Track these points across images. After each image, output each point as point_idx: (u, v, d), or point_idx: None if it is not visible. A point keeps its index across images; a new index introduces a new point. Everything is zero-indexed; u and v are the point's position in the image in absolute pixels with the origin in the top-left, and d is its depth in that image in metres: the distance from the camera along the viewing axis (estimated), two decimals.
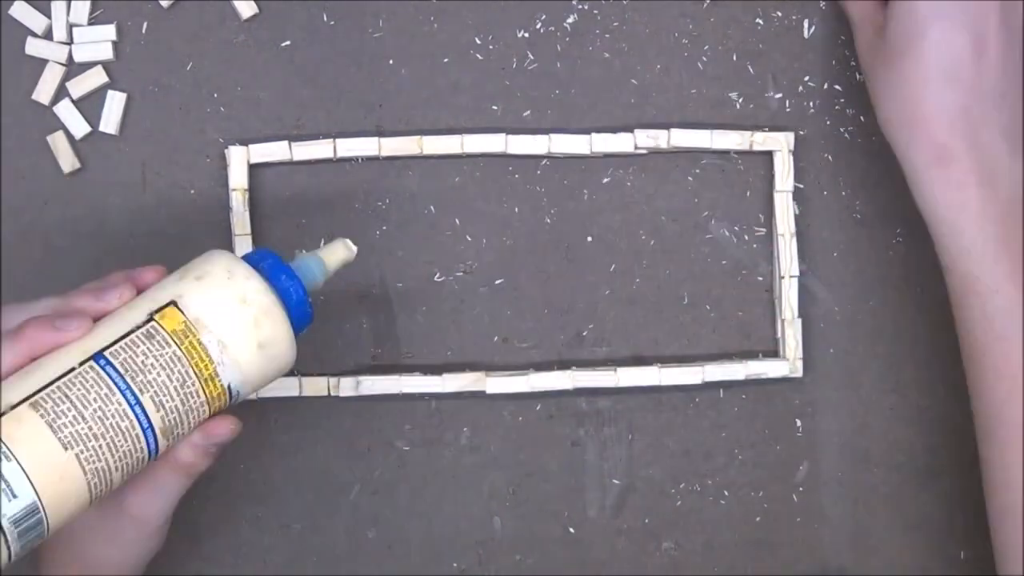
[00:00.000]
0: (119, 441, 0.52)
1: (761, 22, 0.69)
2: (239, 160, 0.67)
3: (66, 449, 0.51)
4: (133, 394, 0.52)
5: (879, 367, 0.69)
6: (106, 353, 0.53)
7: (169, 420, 0.54)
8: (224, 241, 0.67)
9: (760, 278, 0.69)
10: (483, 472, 0.68)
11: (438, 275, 0.68)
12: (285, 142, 0.67)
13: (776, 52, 0.69)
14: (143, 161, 0.68)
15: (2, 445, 0.50)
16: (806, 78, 0.69)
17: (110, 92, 0.68)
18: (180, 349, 0.53)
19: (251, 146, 0.67)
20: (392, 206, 0.68)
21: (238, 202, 0.67)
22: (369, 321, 0.68)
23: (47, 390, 0.52)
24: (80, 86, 0.67)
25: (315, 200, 0.68)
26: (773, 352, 0.69)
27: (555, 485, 0.68)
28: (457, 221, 0.68)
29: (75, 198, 0.68)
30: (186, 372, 0.53)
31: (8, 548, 0.50)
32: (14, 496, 0.50)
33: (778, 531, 0.69)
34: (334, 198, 0.68)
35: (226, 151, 0.67)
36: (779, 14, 0.69)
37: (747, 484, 0.69)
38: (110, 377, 0.52)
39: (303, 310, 0.57)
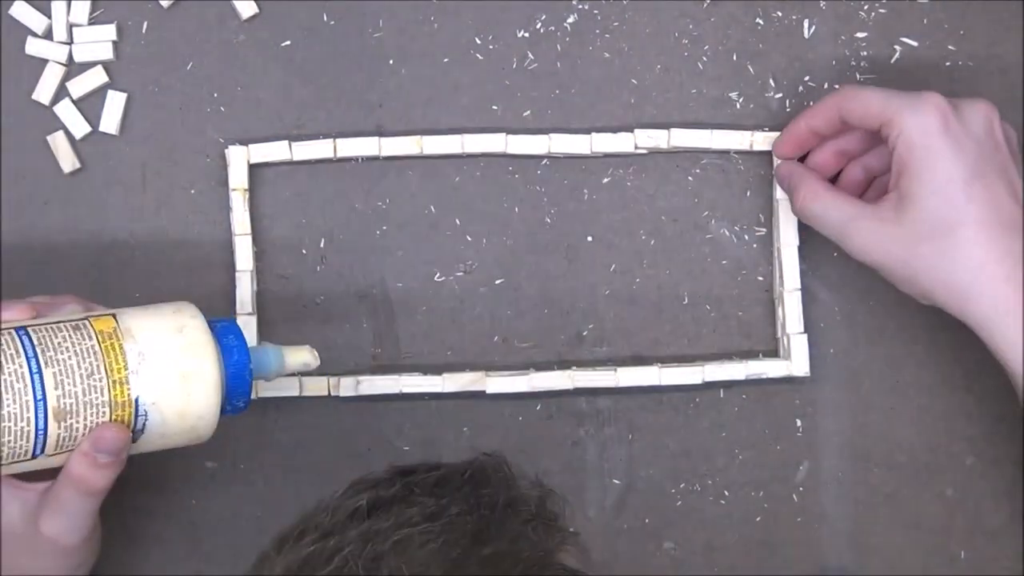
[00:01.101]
0: (11, 405, 0.53)
1: (761, 22, 0.69)
2: (239, 160, 0.67)
3: None
4: (37, 364, 0.53)
5: (879, 367, 0.69)
6: (29, 328, 0.54)
7: (65, 404, 0.54)
8: (224, 241, 0.67)
9: (760, 278, 0.69)
10: None
11: (438, 275, 0.68)
12: (285, 142, 0.67)
13: (776, 52, 0.69)
14: (143, 161, 0.68)
15: None
16: (806, 78, 0.69)
17: (110, 92, 0.67)
18: (99, 345, 0.54)
19: (251, 146, 0.67)
20: (392, 206, 0.68)
21: (238, 202, 0.67)
22: (369, 321, 0.68)
23: None
24: (80, 86, 0.67)
25: (315, 200, 0.68)
26: (773, 352, 0.69)
27: (555, 485, 0.68)
28: (457, 221, 0.68)
29: (75, 198, 0.68)
30: (97, 366, 0.54)
31: None
32: None
33: (778, 531, 0.69)
34: (334, 198, 0.68)
35: (226, 151, 0.67)
36: (779, 14, 0.69)
37: (747, 484, 0.69)
38: (22, 344, 0.53)
39: (241, 378, 0.57)
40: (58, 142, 0.67)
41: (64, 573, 0.59)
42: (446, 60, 0.68)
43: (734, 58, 0.69)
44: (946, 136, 0.59)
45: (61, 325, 0.55)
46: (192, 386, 0.56)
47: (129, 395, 0.55)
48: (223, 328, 0.57)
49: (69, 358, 0.54)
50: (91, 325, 0.55)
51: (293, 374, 0.63)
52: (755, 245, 0.69)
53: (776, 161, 0.67)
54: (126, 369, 0.55)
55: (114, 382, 0.54)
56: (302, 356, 0.60)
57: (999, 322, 0.59)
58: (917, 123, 0.60)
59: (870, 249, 0.62)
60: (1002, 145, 0.61)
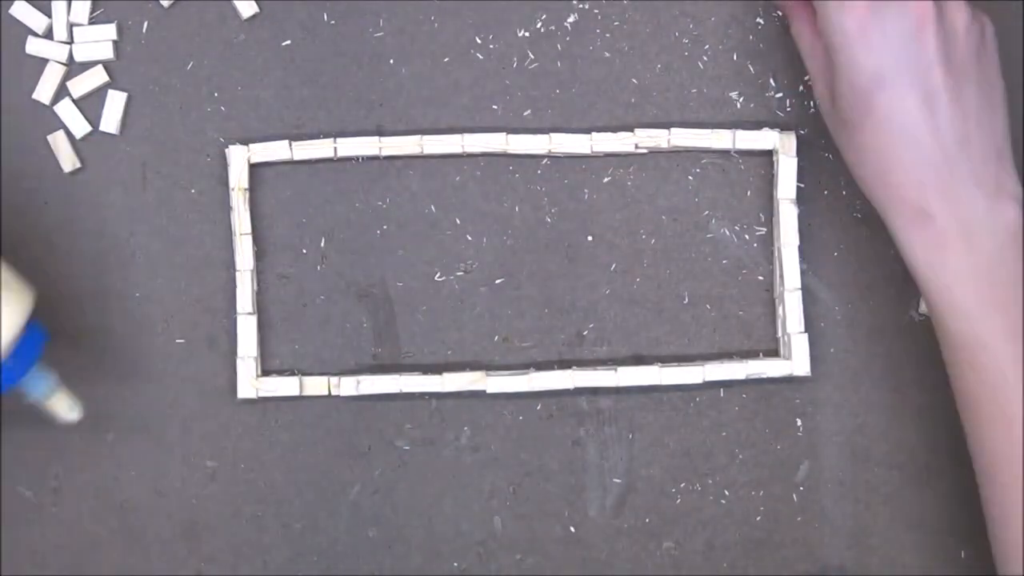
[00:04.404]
0: None
1: (761, 22, 0.69)
2: (239, 159, 0.67)
3: None
4: None
5: (879, 367, 0.69)
6: None
7: None
8: (224, 240, 0.67)
9: (760, 278, 0.69)
10: (483, 472, 0.68)
11: (438, 274, 0.68)
12: (285, 141, 0.67)
13: (776, 52, 0.69)
14: (143, 160, 0.68)
15: None
16: (806, 78, 0.69)
17: (111, 91, 0.68)
18: None
19: (251, 145, 0.67)
20: (392, 206, 0.68)
21: (238, 201, 0.67)
22: (369, 321, 0.68)
23: None
24: (80, 85, 0.67)
25: (315, 200, 0.68)
26: (773, 351, 0.69)
27: (555, 485, 0.68)
28: (457, 220, 0.68)
29: (75, 197, 0.68)
30: None
31: None
32: None
33: (778, 531, 0.69)
34: (334, 198, 0.68)
35: (226, 150, 0.67)
36: (779, 14, 0.69)
37: (747, 484, 0.69)
38: None
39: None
40: (58, 142, 0.67)
41: None
42: (446, 60, 0.69)
43: (734, 58, 0.69)
44: (859, 40, 0.58)
45: None
46: None
47: None
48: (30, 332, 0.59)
49: None
50: None
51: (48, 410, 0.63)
52: (755, 245, 0.69)
53: None
54: None
55: None
56: (62, 404, 0.62)
57: (890, 221, 0.59)
58: (836, 21, 0.58)
59: (822, 104, 0.62)
60: (928, 50, 0.58)
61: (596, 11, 0.68)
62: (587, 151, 0.68)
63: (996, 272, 0.58)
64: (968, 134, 0.58)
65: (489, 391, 0.67)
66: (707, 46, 0.69)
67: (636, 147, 0.68)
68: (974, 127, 0.59)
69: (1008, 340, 0.58)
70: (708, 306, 0.69)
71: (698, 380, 0.67)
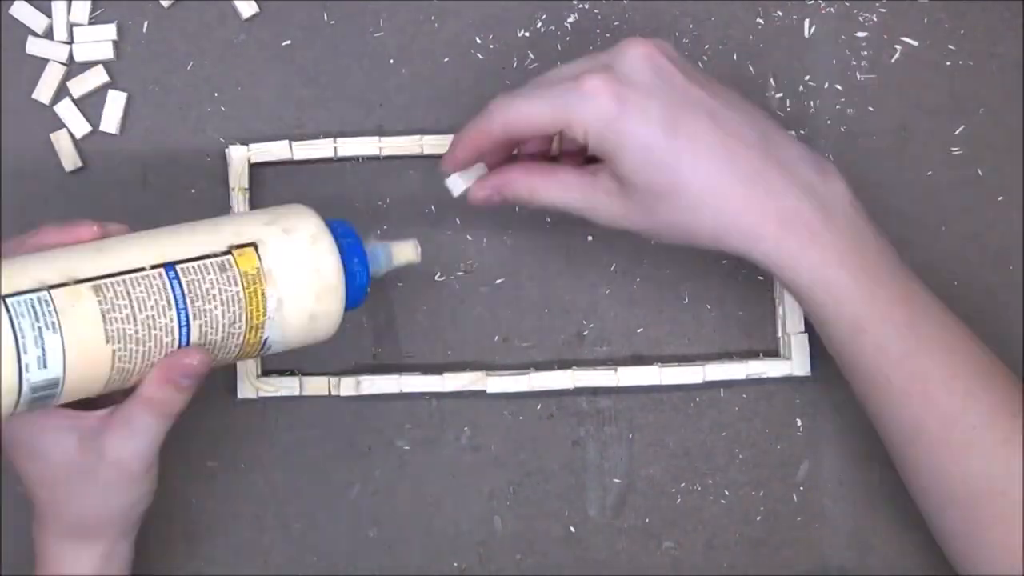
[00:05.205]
0: (154, 353, 0.52)
1: (761, 22, 0.69)
2: (239, 159, 0.67)
3: (107, 342, 0.51)
4: (187, 316, 0.53)
5: None
6: (177, 267, 0.53)
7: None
8: None
9: (760, 278, 0.69)
10: (483, 472, 0.68)
11: (439, 275, 0.68)
12: (285, 141, 0.67)
13: (776, 52, 0.69)
14: (144, 160, 0.68)
15: (54, 313, 0.50)
16: (806, 78, 0.69)
17: (111, 91, 0.68)
18: (244, 292, 0.54)
19: (251, 145, 0.67)
20: (392, 206, 0.68)
21: (238, 201, 0.67)
22: (369, 320, 0.68)
23: (112, 279, 0.52)
24: (81, 85, 0.67)
25: (315, 200, 0.68)
26: (774, 352, 0.69)
27: (555, 485, 0.68)
28: (457, 221, 0.68)
29: (76, 197, 0.68)
30: (239, 315, 0.54)
31: (15, 407, 0.51)
32: (44, 366, 0.50)
33: (778, 531, 0.69)
34: (334, 198, 0.68)
35: (226, 150, 0.67)
36: (779, 14, 0.69)
37: (747, 483, 0.69)
38: (173, 292, 0.52)
39: (360, 296, 0.57)
40: (61, 141, 0.67)
41: (124, 506, 0.58)
42: (446, 60, 0.69)
43: (734, 58, 0.69)
44: (627, 111, 0.57)
45: (208, 264, 0.53)
46: (318, 323, 0.56)
47: (261, 337, 0.55)
48: (349, 248, 0.57)
49: (215, 307, 0.53)
50: (236, 264, 0.54)
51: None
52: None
53: (455, 184, 0.62)
54: (264, 315, 0.54)
55: (251, 328, 0.54)
56: (407, 254, 0.60)
57: (758, 250, 0.58)
58: (594, 116, 0.57)
59: (616, 222, 0.60)
60: (675, 75, 0.57)
61: (596, 11, 0.68)
62: None
63: (859, 244, 0.58)
64: (758, 127, 0.58)
65: (489, 391, 0.67)
66: (707, 46, 0.69)
67: None
68: (756, 120, 0.59)
69: (897, 305, 0.58)
70: (708, 306, 0.69)
71: (698, 380, 0.67)
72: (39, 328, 0.50)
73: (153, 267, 0.52)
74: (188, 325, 0.53)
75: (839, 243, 0.57)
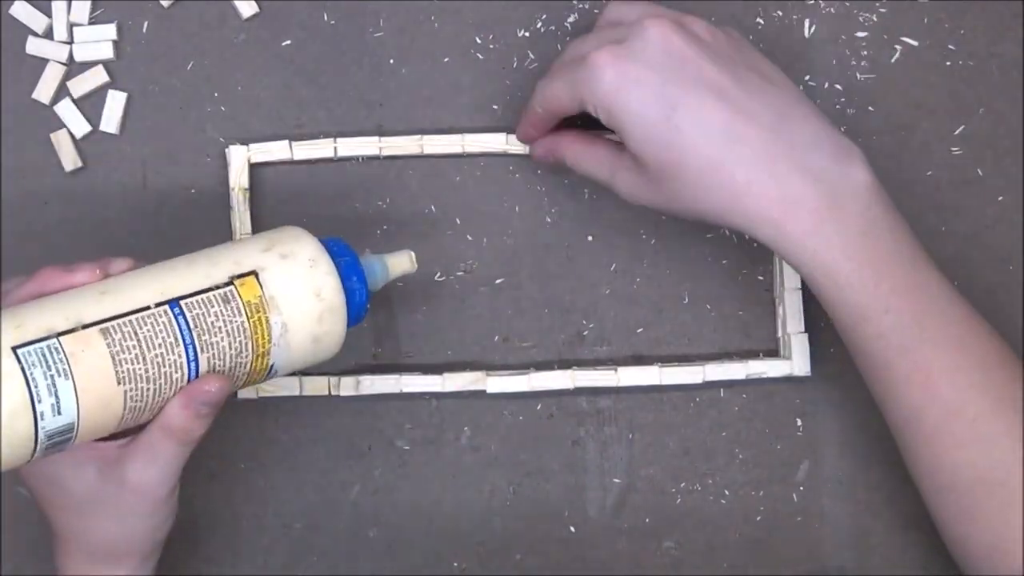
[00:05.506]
0: (164, 390, 0.53)
1: (761, 22, 0.69)
2: (239, 159, 0.67)
3: (119, 384, 0.51)
4: (194, 350, 0.53)
5: None
6: (182, 303, 0.53)
7: None
8: (224, 240, 0.67)
9: (760, 278, 0.69)
10: (483, 472, 0.68)
11: (439, 274, 0.68)
12: (286, 141, 0.67)
13: (776, 52, 0.69)
14: (144, 160, 0.68)
15: (65, 360, 0.50)
16: (806, 78, 0.69)
17: (111, 91, 0.68)
18: (248, 322, 0.54)
19: (251, 145, 0.67)
20: (392, 206, 0.68)
21: (238, 201, 0.67)
22: (369, 320, 0.68)
23: (119, 321, 0.52)
24: (81, 85, 0.67)
25: (315, 200, 0.68)
26: (774, 351, 0.69)
27: (555, 485, 0.68)
28: (458, 220, 0.68)
29: (75, 197, 0.68)
30: (245, 344, 0.54)
31: (32, 455, 0.51)
32: (58, 413, 0.50)
33: (778, 531, 0.69)
34: (334, 198, 0.68)
35: (226, 150, 0.67)
36: (779, 14, 0.69)
37: (747, 484, 0.69)
38: (179, 328, 0.53)
39: (361, 313, 0.58)
40: (62, 140, 0.67)
41: (147, 531, 0.58)
42: (446, 60, 0.69)
43: None
44: (626, 87, 0.57)
45: (211, 296, 0.54)
46: (322, 344, 0.56)
47: (267, 364, 0.55)
48: (347, 267, 0.57)
49: (221, 339, 0.53)
50: (239, 294, 0.54)
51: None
52: (755, 244, 0.69)
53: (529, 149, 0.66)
54: (270, 342, 0.55)
55: (257, 356, 0.55)
56: (403, 265, 0.60)
57: (761, 232, 0.58)
58: (599, 92, 0.58)
59: (634, 196, 0.61)
60: (688, 55, 0.58)
61: (596, 11, 0.68)
62: None
63: (871, 233, 0.58)
64: (777, 109, 0.58)
65: (489, 391, 0.67)
66: None
67: None
68: (779, 102, 0.58)
69: (903, 297, 0.58)
70: (708, 306, 0.69)
71: (698, 380, 0.67)
72: (51, 376, 0.50)
73: (158, 305, 0.53)
74: (196, 359, 0.53)
75: (845, 232, 0.57)
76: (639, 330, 0.69)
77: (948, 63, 0.69)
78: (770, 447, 0.69)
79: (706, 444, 0.69)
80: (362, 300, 0.58)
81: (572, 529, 0.68)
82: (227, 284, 0.54)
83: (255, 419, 0.68)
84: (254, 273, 0.55)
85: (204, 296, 0.54)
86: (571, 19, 0.69)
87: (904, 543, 0.69)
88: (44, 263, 0.67)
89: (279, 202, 0.68)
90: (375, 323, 0.68)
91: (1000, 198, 0.69)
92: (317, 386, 0.67)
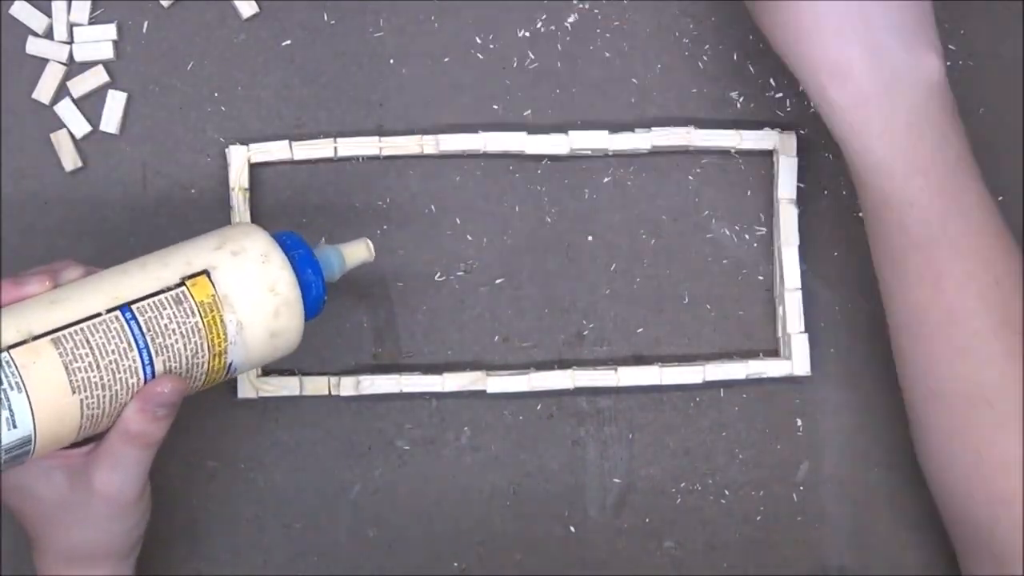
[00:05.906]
0: (121, 396, 0.53)
1: None
2: (239, 159, 0.67)
3: (74, 393, 0.51)
4: (149, 355, 0.53)
5: (879, 367, 0.69)
6: (133, 307, 0.53)
7: None
8: None
9: (760, 278, 0.69)
10: (483, 472, 0.68)
11: (439, 274, 0.68)
12: (286, 141, 0.67)
13: (776, 52, 0.69)
14: (144, 160, 0.68)
15: (16, 373, 0.50)
16: None
17: (111, 91, 0.68)
18: (202, 321, 0.54)
19: (251, 145, 0.67)
20: (392, 206, 0.68)
21: (238, 201, 0.67)
22: (370, 320, 0.68)
23: (70, 330, 0.52)
24: (81, 85, 0.67)
25: (315, 199, 0.68)
26: (774, 351, 0.69)
27: (555, 485, 0.68)
28: (458, 220, 0.68)
29: (76, 197, 0.68)
30: (201, 345, 0.54)
31: None
32: (14, 426, 0.50)
33: (778, 531, 0.69)
34: (334, 198, 0.68)
35: (226, 150, 0.67)
36: None
37: (747, 484, 0.69)
38: (132, 332, 0.52)
39: (318, 306, 0.57)
40: (62, 140, 0.67)
41: (121, 533, 0.58)
42: (447, 59, 0.69)
43: (734, 57, 0.69)
44: None
45: (163, 299, 0.53)
46: (280, 339, 0.56)
47: (225, 362, 0.55)
48: (300, 260, 0.57)
49: (176, 341, 0.53)
50: (191, 295, 0.54)
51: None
52: (755, 245, 0.69)
53: None
54: (226, 341, 0.54)
55: (214, 356, 0.54)
56: (360, 254, 0.60)
57: (807, 88, 0.58)
58: None
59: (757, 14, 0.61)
60: None
61: (596, 11, 0.68)
62: (587, 151, 0.68)
63: (918, 127, 0.57)
64: None
65: (489, 391, 0.67)
66: (707, 46, 0.69)
67: (636, 147, 0.67)
68: None
69: (934, 196, 0.57)
70: (708, 306, 0.69)
71: (698, 380, 0.67)
72: (3, 390, 0.50)
73: (109, 311, 0.52)
74: (151, 363, 0.53)
75: (891, 118, 0.57)
76: (639, 330, 0.69)
77: (948, 63, 0.69)
78: (770, 447, 0.69)
79: (706, 444, 0.69)
80: (319, 293, 0.57)
81: (572, 529, 0.68)
82: (179, 285, 0.54)
83: (255, 419, 0.68)
84: (206, 272, 0.54)
85: (156, 299, 0.53)
86: (571, 19, 0.69)
87: (904, 543, 0.69)
88: (44, 263, 0.67)
89: (279, 202, 0.68)
90: (375, 323, 0.68)
91: (1000, 198, 0.69)
92: (317, 386, 0.67)
